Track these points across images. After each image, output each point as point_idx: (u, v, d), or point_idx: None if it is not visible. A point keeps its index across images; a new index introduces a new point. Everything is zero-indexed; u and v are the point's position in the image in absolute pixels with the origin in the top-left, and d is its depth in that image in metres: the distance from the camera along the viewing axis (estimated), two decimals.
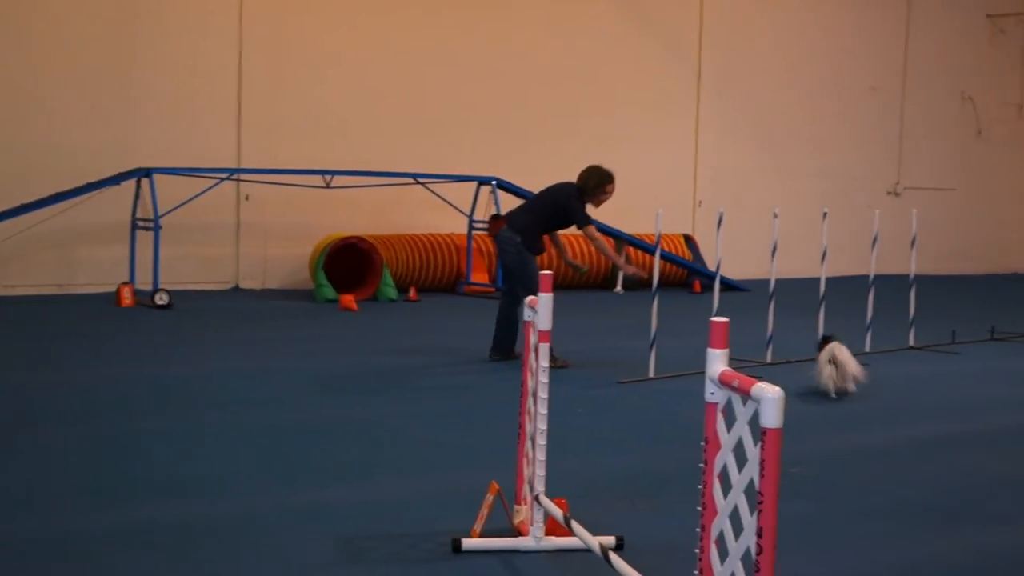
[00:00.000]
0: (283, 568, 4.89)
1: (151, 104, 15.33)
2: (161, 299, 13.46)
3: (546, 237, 10.54)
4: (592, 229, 10.13)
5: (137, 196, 14.37)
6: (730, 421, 3.20)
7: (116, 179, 14.24)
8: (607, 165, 10.34)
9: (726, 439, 3.22)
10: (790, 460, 6.58)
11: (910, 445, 7.63)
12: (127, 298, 13.67)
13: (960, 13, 22.51)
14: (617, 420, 8.24)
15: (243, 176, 15.42)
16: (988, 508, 6.19)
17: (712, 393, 3.27)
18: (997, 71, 23.05)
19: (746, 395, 3.02)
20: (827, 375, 9.23)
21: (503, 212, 10.66)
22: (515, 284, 10.21)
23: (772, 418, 2.88)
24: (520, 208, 10.67)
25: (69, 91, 14.90)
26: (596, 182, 10.14)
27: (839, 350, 9.29)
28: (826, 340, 9.52)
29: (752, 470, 3.00)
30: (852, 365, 9.25)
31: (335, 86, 16.50)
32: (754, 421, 2.97)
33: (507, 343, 10.34)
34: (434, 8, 17.21)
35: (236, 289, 15.96)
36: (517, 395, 5.50)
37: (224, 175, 14.83)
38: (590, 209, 10.17)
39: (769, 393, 2.89)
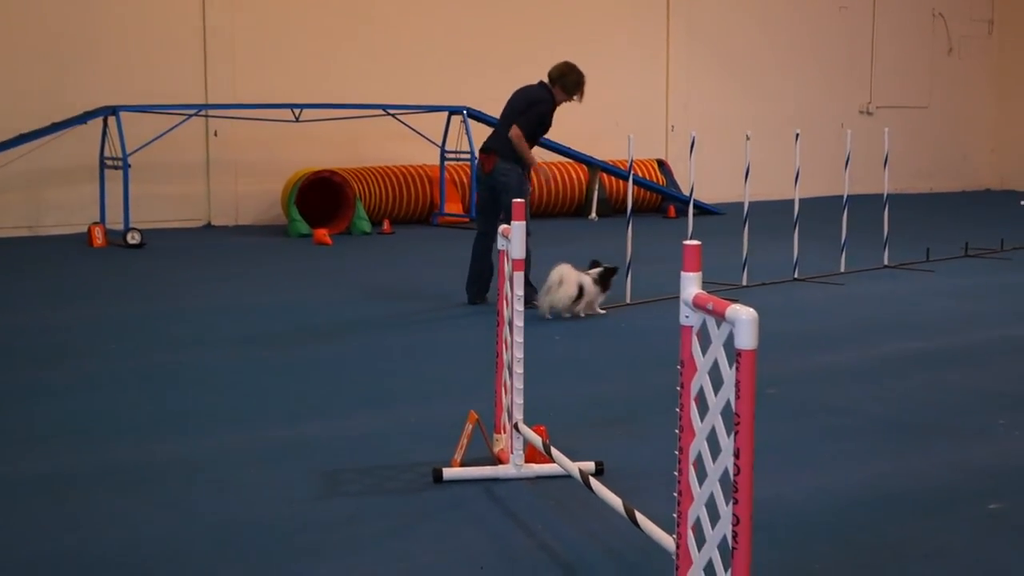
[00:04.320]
0: (266, 503, 4.89)
1: (115, 41, 15.13)
2: (133, 238, 13.37)
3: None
4: (517, 130, 9.45)
5: (104, 135, 14.22)
6: (705, 344, 3.19)
7: (82, 118, 14.09)
8: None
9: (701, 362, 3.22)
10: (765, 381, 6.62)
11: (883, 363, 7.68)
12: (98, 238, 13.59)
13: None
14: (594, 347, 8.25)
15: (211, 112, 15.27)
16: (959, 423, 6.24)
17: (687, 316, 3.26)
18: None
19: (721, 317, 3.01)
20: (548, 297, 8.98)
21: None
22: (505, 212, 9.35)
23: (747, 340, 2.88)
24: (498, 131, 9.71)
25: (29, 30, 14.68)
26: (575, 79, 9.64)
27: (567, 271, 8.95)
28: (594, 264, 9.20)
29: (728, 392, 3.00)
30: (567, 289, 8.91)
31: (302, 19, 16.31)
32: (729, 343, 2.97)
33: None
34: None
35: (208, 226, 15.86)
36: (493, 325, 5.50)
37: (192, 111, 14.68)
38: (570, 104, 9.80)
39: (743, 315, 2.89)
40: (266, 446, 5.70)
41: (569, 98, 9.70)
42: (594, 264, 9.23)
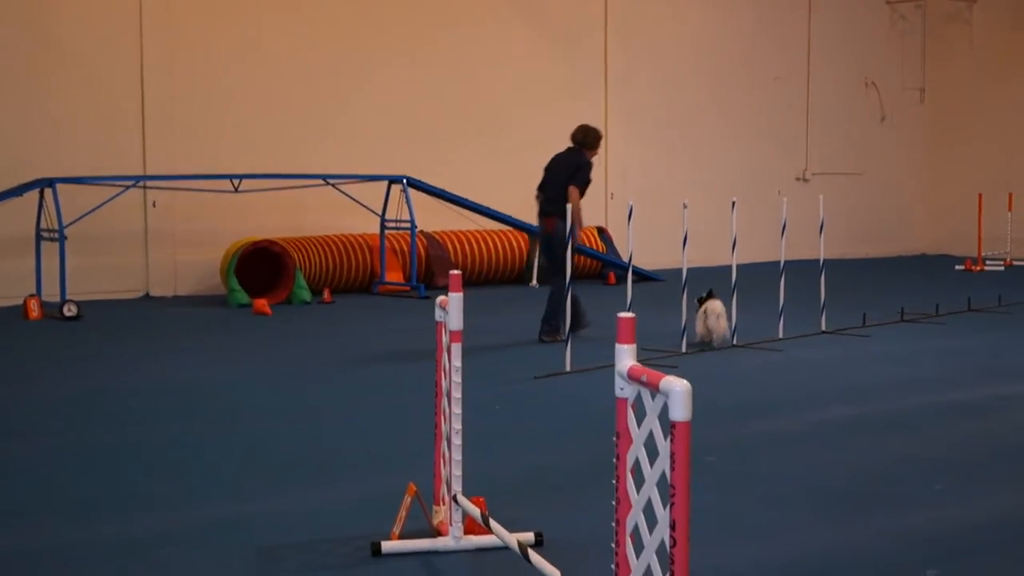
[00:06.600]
0: None
1: (53, 113, 15.05)
2: (70, 310, 13.22)
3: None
4: (576, 190, 10.95)
5: (41, 207, 14.10)
6: (640, 415, 3.20)
7: (18, 190, 13.96)
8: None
9: (637, 433, 3.22)
10: (703, 449, 6.64)
11: (821, 430, 7.73)
12: (34, 311, 13.41)
13: (860, 1, 22.86)
14: (534, 416, 8.24)
15: (149, 183, 15.20)
16: (896, 490, 6.28)
17: (622, 388, 3.27)
18: (899, 57, 23.43)
19: (655, 389, 3.03)
20: (700, 325, 10.94)
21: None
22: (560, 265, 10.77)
23: (681, 411, 2.89)
24: (554, 197, 11.04)
25: None
26: (596, 136, 11.29)
27: (711, 304, 11.01)
28: (710, 295, 11.08)
29: (664, 463, 3.00)
30: (717, 315, 10.88)
31: (240, 90, 16.33)
32: (664, 414, 2.98)
33: (559, 321, 10.95)
34: (337, 10, 17.10)
35: (146, 297, 15.73)
36: (432, 395, 5.48)
37: (130, 183, 14.60)
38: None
39: (677, 387, 2.90)
40: (206, 524, 5.61)
41: (595, 153, 11.36)
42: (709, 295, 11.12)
